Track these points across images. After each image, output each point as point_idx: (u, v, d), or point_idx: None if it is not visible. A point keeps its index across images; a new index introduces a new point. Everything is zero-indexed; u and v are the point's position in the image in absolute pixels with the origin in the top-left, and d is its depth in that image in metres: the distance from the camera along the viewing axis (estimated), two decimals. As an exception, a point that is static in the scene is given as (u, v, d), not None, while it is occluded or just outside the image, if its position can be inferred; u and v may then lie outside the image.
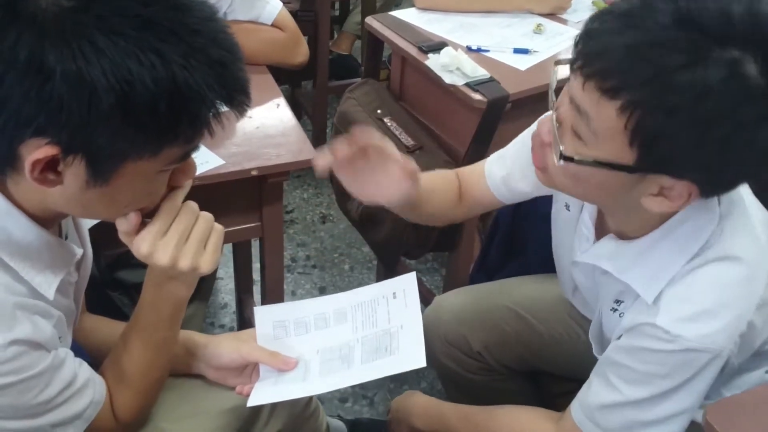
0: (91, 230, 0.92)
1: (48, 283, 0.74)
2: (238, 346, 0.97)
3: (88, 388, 0.80)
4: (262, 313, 1.00)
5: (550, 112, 0.81)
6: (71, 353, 0.79)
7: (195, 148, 0.71)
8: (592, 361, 0.94)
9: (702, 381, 0.82)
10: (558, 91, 0.83)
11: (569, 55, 0.80)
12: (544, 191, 1.05)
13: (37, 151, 0.62)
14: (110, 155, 0.64)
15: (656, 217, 0.82)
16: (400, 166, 0.93)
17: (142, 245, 0.76)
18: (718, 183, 0.76)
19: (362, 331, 0.95)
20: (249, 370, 0.98)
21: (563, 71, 0.82)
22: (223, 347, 0.98)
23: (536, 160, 0.85)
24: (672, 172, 0.73)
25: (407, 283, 0.96)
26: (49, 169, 0.64)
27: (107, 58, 0.59)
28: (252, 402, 0.91)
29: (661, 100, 0.68)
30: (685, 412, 0.84)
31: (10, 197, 0.70)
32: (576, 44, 0.74)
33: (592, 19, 0.73)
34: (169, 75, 0.61)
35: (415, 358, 0.88)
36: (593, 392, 0.89)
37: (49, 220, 0.75)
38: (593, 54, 0.71)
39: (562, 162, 0.77)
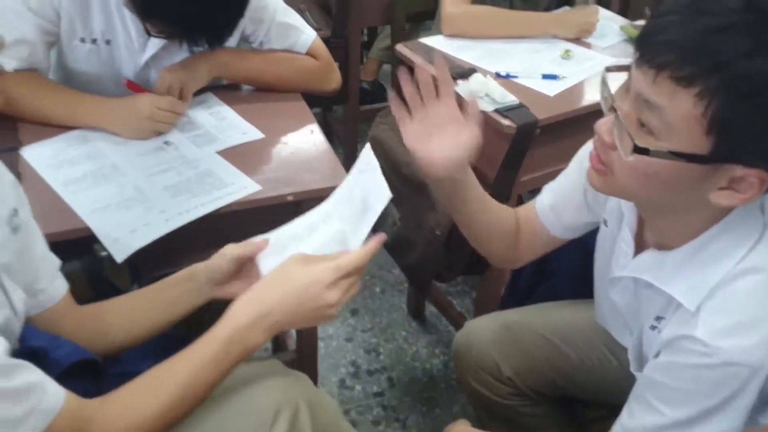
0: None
1: None
2: (230, 248, 0.99)
3: (30, 393, 0.71)
4: (262, 253, 1.01)
5: (605, 118, 0.82)
6: (4, 343, 0.71)
7: None
8: (624, 387, 0.94)
9: (744, 398, 0.80)
10: (585, 117, 0.85)
11: (598, 81, 0.82)
12: (590, 218, 1.06)
13: None
14: None
15: (703, 223, 0.82)
16: (463, 127, 0.97)
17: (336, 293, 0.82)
18: None
19: (347, 213, 0.98)
20: (250, 271, 0.99)
21: (614, 78, 0.83)
22: (218, 256, 0.99)
23: (597, 163, 0.84)
24: (746, 160, 0.73)
25: (365, 155, 0.99)
26: None
27: None
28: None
29: (737, 85, 0.68)
30: None
31: None
32: (640, 40, 0.75)
33: (656, 15, 0.74)
34: None
35: (382, 196, 0.91)
36: (635, 417, 0.88)
37: None
38: (664, 44, 0.71)
39: (632, 158, 0.76)
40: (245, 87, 1.48)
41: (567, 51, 1.72)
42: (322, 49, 1.50)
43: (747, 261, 0.80)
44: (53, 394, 0.75)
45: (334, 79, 1.53)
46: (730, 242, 0.81)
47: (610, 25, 1.87)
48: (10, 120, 1.28)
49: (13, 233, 0.84)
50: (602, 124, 0.82)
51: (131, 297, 1.03)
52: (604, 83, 0.83)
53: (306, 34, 1.47)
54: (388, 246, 1.71)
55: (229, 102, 1.42)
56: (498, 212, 1.13)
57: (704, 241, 0.83)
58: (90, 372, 0.80)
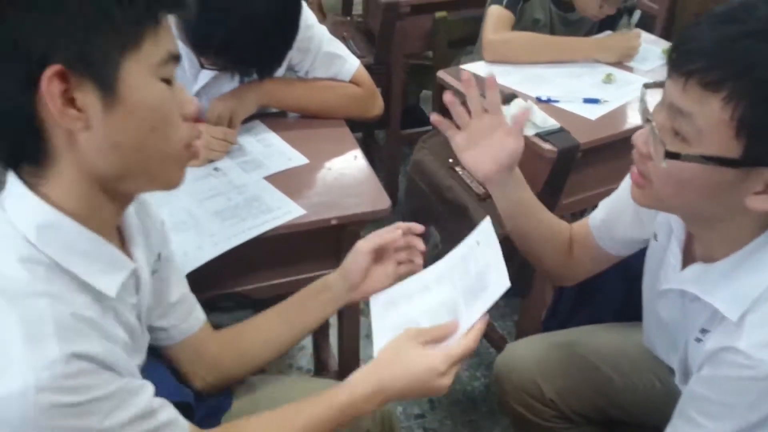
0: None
1: (108, 284, 0.75)
2: (362, 243, 1.07)
3: (172, 425, 0.78)
4: (375, 299, 1.09)
5: (642, 130, 0.84)
6: (151, 386, 0.77)
7: (174, 53, 0.74)
8: (668, 410, 0.94)
9: None
10: (628, 140, 0.87)
11: (639, 104, 0.84)
12: (641, 234, 1.07)
13: (46, 71, 0.66)
14: (102, 54, 0.68)
15: (747, 233, 0.83)
16: (505, 130, 1.04)
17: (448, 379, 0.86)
18: None
19: (460, 283, 1.00)
20: (386, 262, 1.08)
21: (653, 94, 0.86)
22: (352, 255, 1.07)
23: (637, 176, 0.86)
24: None
25: (484, 228, 1.02)
26: (69, 104, 0.67)
27: None
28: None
29: (762, 88, 0.71)
30: None
31: (56, 205, 0.72)
32: (672, 51, 0.78)
33: (688, 26, 0.77)
34: None
35: (500, 284, 0.92)
36: None
37: (98, 223, 0.75)
38: (693, 51, 0.74)
39: (665, 163, 0.78)
40: (291, 114, 1.53)
41: (609, 75, 1.73)
42: (365, 76, 1.54)
43: None
44: (183, 426, 0.81)
45: (376, 106, 1.57)
46: None
47: (653, 49, 1.87)
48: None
49: (151, 275, 0.89)
50: (639, 136, 0.84)
51: (266, 316, 1.10)
52: (642, 98, 0.86)
53: (350, 63, 1.52)
54: (429, 269, 1.73)
55: (276, 129, 1.47)
56: (551, 223, 1.16)
57: (748, 252, 0.83)
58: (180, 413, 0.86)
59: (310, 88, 1.48)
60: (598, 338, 1.26)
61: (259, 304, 1.27)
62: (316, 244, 1.29)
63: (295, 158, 1.37)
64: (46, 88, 0.66)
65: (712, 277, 0.87)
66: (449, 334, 0.92)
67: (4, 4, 0.67)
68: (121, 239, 0.84)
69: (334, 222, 1.22)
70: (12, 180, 0.73)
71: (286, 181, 1.29)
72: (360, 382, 0.90)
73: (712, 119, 0.74)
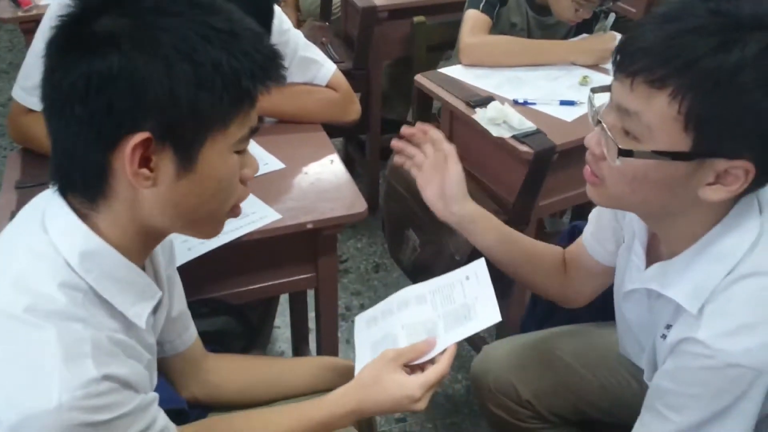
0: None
1: (139, 315, 0.78)
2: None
3: None
4: (360, 318, 1.12)
5: (593, 132, 0.86)
6: (157, 398, 0.80)
7: (254, 127, 0.77)
8: None
9: (750, 402, 0.81)
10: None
11: (588, 107, 0.86)
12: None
13: (133, 137, 0.68)
14: (193, 132, 0.71)
15: (703, 226, 0.85)
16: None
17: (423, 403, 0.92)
18: None
19: (442, 308, 1.04)
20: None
21: (600, 98, 0.88)
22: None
23: (590, 175, 0.88)
24: (727, 152, 0.76)
25: (478, 267, 1.06)
26: (143, 163, 0.70)
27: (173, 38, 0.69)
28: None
29: (705, 81, 0.73)
30: None
31: (101, 234, 0.74)
32: (616, 52, 0.80)
33: (631, 29, 0.80)
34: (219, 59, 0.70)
35: (491, 316, 0.99)
36: (647, 428, 0.90)
37: (136, 255, 0.78)
38: (636, 52, 0.77)
39: (619, 161, 0.80)
40: (268, 119, 1.53)
41: (585, 77, 1.74)
42: (342, 81, 1.54)
43: (746, 263, 0.82)
44: (173, 429, 0.83)
45: (353, 111, 1.57)
46: (728, 244, 0.83)
47: (629, 51, 1.88)
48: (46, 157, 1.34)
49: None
50: (591, 138, 0.86)
51: (276, 363, 1.20)
52: (590, 102, 0.88)
53: (326, 68, 1.52)
54: (408, 271, 1.73)
55: (252, 134, 1.46)
56: (535, 250, 1.18)
57: (703, 244, 0.85)
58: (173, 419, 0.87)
59: (287, 92, 1.48)
60: (574, 338, 1.27)
61: (235, 310, 1.26)
62: (293, 249, 1.29)
63: (272, 163, 1.37)
64: (130, 153, 0.68)
65: (672, 271, 0.89)
66: (424, 353, 0.97)
67: (134, 44, 0.68)
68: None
69: (309, 226, 1.22)
70: (58, 203, 0.75)
71: (262, 186, 1.28)
72: (340, 403, 0.95)
73: (660, 116, 0.76)
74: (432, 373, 0.94)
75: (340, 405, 0.94)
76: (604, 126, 0.82)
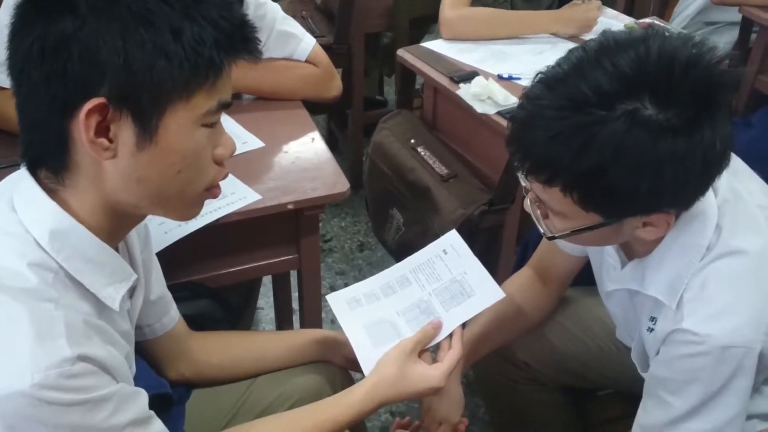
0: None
1: (112, 297, 0.76)
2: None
3: None
4: (334, 297, 1.09)
5: (527, 198, 0.89)
6: (145, 395, 0.78)
7: (225, 101, 0.73)
8: (640, 374, 0.97)
9: (744, 378, 0.83)
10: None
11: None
12: None
13: (88, 103, 0.66)
14: (151, 100, 0.68)
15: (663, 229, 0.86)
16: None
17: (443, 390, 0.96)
18: (682, 202, 0.81)
19: (429, 286, 1.04)
20: None
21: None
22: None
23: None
24: (638, 212, 0.81)
25: (452, 239, 1.05)
26: (102, 133, 0.68)
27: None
28: (366, 370, 0.99)
29: (587, 173, 0.75)
30: (738, 416, 0.86)
31: (71, 212, 0.72)
32: (508, 144, 0.82)
33: (511, 118, 0.83)
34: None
35: (493, 293, 1.01)
36: (650, 413, 0.92)
37: (108, 235, 0.76)
38: (521, 155, 0.81)
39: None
40: (246, 96, 1.49)
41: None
42: (322, 56, 1.50)
43: (714, 248, 0.84)
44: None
45: (334, 87, 1.53)
46: (693, 234, 0.85)
47: (616, 24, 1.85)
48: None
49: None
50: (527, 206, 0.90)
51: (259, 336, 1.20)
52: (521, 181, 0.89)
53: (305, 42, 1.47)
54: (392, 251, 1.71)
55: (230, 112, 1.40)
56: (506, 317, 1.17)
57: (670, 240, 0.87)
58: (160, 403, 0.86)
59: (264, 68, 1.43)
60: (571, 304, 1.27)
61: (215, 293, 1.23)
62: (274, 230, 1.26)
63: (250, 141, 1.33)
64: (84, 119, 0.66)
65: (647, 269, 0.91)
66: (434, 337, 1.00)
67: (90, 7, 0.65)
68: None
69: (290, 207, 1.19)
70: (27, 181, 0.73)
71: (241, 166, 1.25)
72: (367, 400, 0.95)
73: (563, 204, 0.81)
74: (449, 360, 0.97)
75: (367, 402, 0.95)
76: (530, 209, 0.88)
